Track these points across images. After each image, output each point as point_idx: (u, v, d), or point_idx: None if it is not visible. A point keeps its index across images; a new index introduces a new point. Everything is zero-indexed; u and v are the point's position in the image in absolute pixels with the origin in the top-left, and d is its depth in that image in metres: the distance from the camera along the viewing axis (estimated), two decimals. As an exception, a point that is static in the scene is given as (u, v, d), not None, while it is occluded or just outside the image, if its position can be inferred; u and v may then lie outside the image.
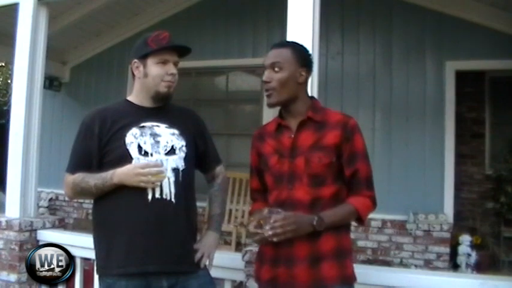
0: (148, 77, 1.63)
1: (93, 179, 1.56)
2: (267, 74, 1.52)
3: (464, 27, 4.30)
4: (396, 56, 4.61)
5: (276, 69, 1.50)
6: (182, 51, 1.68)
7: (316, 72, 2.00)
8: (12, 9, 2.95)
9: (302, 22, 2.16)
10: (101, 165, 1.58)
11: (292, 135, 1.51)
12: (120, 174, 1.52)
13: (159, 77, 1.61)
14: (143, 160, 1.56)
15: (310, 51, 2.12)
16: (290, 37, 2.18)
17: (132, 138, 1.58)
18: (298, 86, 1.52)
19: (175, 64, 1.65)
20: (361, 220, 1.50)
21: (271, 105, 1.55)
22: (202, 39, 5.12)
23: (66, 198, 5.73)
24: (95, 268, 1.67)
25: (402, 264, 4.27)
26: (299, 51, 1.54)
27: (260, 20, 5.05)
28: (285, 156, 1.51)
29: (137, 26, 5.30)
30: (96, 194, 1.58)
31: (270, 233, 1.34)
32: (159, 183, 1.54)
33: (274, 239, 1.35)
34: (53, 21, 3.63)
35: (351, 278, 1.49)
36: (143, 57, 1.63)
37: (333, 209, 1.45)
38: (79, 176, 1.59)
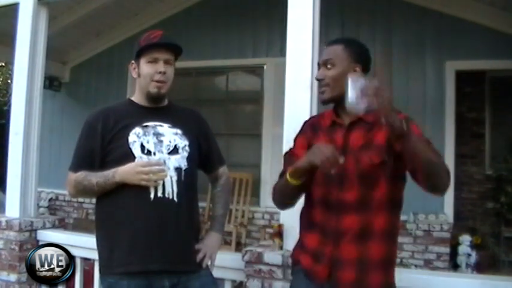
0: (141, 77, 1.65)
1: (95, 177, 1.56)
2: (320, 72, 1.52)
3: (464, 27, 4.30)
4: (396, 56, 4.60)
5: (329, 66, 1.49)
6: (176, 50, 1.67)
7: (316, 72, 1.99)
8: (12, 9, 2.95)
9: (302, 22, 2.16)
10: (104, 163, 1.59)
11: (344, 134, 1.49)
12: (121, 172, 1.52)
13: (149, 76, 1.61)
14: (146, 159, 1.57)
15: (310, 52, 2.13)
16: (290, 37, 2.18)
17: (135, 137, 1.59)
18: None
19: (167, 62, 1.63)
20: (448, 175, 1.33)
21: (324, 102, 1.53)
22: (202, 39, 5.11)
23: (66, 198, 5.73)
24: (98, 267, 1.67)
25: (402, 264, 4.26)
26: (352, 47, 1.51)
27: (260, 20, 5.05)
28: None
29: (137, 26, 5.29)
30: (97, 192, 1.59)
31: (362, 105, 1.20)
32: (160, 182, 1.54)
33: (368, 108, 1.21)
34: (53, 21, 3.63)
35: (393, 286, 1.49)
36: (137, 58, 1.64)
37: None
38: (81, 174, 1.60)
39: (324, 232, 1.46)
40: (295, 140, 1.63)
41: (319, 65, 1.55)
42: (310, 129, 1.59)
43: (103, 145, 1.59)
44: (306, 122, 1.64)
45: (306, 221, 1.56)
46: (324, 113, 1.62)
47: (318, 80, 1.53)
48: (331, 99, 1.51)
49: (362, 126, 1.47)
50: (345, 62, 1.48)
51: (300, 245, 1.59)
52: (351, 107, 1.24)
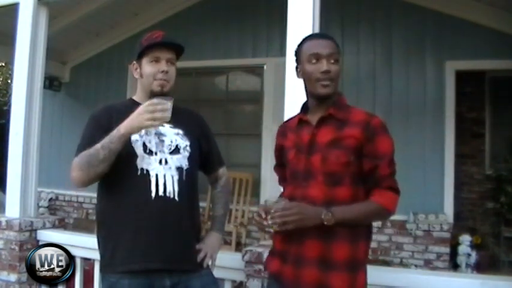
0: (143, 77, 1.65)
1: (99, 143, 1.50)
2: (326, 64, 1.44)
3: (464, 27, 4.30)
4: (396, 56, 4.60)
5: (332, 60, 1.45)
6: (178, 49, 1.67)
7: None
8: (12, 9, 2.95)
9: (302, 22, 2.16)
10: None
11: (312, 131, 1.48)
12: (125, 123, 1.49)
13: (152, 75, 1.62)
14: (148, 158, 1.57)
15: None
16: (290, 37, 2.18)
17: (137, 136, 1.59)
18: (339, 80, 1.50)
19: (170, 62, 1.64)
20: (390, 213, 1.44)
21: (327, 96, 1.47)
22: (202, 39, 5.12)
23: (66, 198, 5.74)
24: (99, 266, 1.67)
25: (402, 264, 4.27)
26: (339, 46, 1.51)
27: (260, 20, 5.05)
28: (302, 152, 1.47)
29: (137, 26, 5.29)
30: (104, 158, 1.49)
31: (269, 222, 1.32)
32: (165, 121, 1.50)
33: (277, 229, 1.32)
34: (53, 21, 3.63)
35: None
36: (139, 58, 1.65)
37: (348, 205, 1.38)
38: (84, 151, 1.54)
39: (288, 230, 1.40)
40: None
41: (317, 55, 1.45)
42: (280, 136, 1.62)
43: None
44: (276, 132, 1.66)
45: None
46: (292, 117, 1.64)
47: (325, 72, 1.44)
48: (332, 94, 1.48)
49: (332, 122, 1.46)
50: (340, 60, 1.47)
51: (271, 250, 1.59)
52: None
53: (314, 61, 1.46)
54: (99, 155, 1.49)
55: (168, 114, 1.47)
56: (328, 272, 1.38)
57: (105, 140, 1.49)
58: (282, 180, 1.66)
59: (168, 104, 1.46)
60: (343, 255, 1.39)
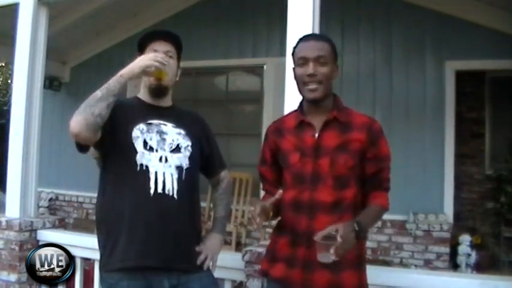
0: None
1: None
2: (313, 67, 1.44)
3: (464, 27, 4.30)
4: (396, 56, 4.61)
5: (321, 62, 1.44)
6: (176, 42, 1.68)
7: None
8: (12, 9, 2.95)
9: (302, 22, 2.16)
10: (106, 157, 1.58)
11: (316, 134, 1.47)
12: (126, 68, 1.54)
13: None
14: (148, 154, 1.57)
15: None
16: (290, 37, 2.18)
17: (139, 133, 1.59)
18: (332, 82, 1.49)
19: (167, 55, 1.64)
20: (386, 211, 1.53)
21: (316, 100, 1.47)
22: (202, 39, 5.12)
23: (66, 198, 5.73)
24: (98, 267, 1.67)
25: (402, 264, 4.27)
26: (334, 47, 1.50)
27: (260, 20, 5.06)
28: (308, 155, 1.46)
29: (137, 26, 5.29)
30: (102, 96, 1.50)
31: (332, 258, 1.27)
32: (164, 72, 1.58)
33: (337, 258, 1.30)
34: (53, 21, 3.62)
35: (366, 286, 1.49)
36: (141, 54, 1.66)
37: (364, 214, 1.41)
38: None
39: (294, 234, 1.44)
40: (261, 151, 1.65)
41: (304, 59, 1.46)
42: (273, 135, 1.59)
43: (106, 128, 1.54)
44: (268, 130, 1.64)
45: (276, 225, 1.56)
46: (286, 116, 1.63)
47: (311, 75, 1.44)
48: (321, 98, 1.47)
49: (335, 125, 1.48)
50: (332, 61, 1.47)
51: (270, 255, 1.57)
52: (323, 261, 1.31)
53: (302, 64, 1.47)
54: (96, 95, 1.53)
55: (168, 68, 1.59)
56: (340, 272, 1.40)
57: (104, 84, 1.54)
58: (269, 183, 1.63)
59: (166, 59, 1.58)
60: (352, 254, 1.40)
